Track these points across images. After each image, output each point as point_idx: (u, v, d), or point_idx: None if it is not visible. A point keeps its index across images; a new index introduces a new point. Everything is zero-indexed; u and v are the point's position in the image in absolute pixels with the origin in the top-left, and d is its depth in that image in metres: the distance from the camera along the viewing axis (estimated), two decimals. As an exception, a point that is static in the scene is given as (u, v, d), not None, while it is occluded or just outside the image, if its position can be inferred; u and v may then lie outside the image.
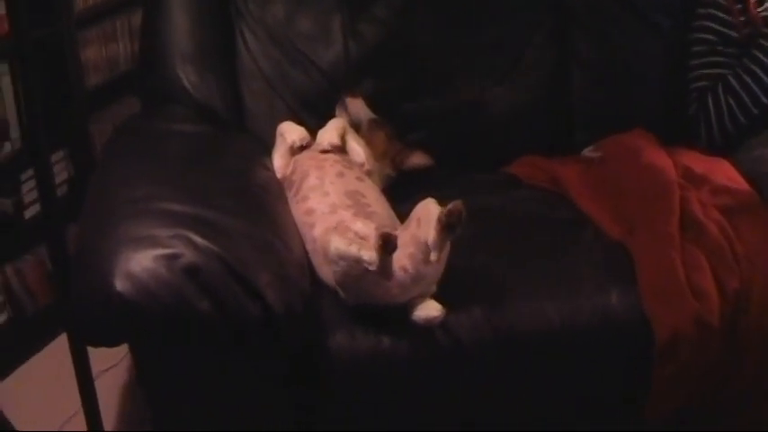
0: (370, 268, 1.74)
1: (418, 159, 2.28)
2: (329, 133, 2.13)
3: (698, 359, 1.89)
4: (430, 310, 1.82)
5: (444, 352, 1.86)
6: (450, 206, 1.73)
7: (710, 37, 2.42)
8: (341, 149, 2.13)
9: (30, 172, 2.66)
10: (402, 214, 1.99)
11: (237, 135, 2.26)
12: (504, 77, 2.45)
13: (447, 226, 1.74)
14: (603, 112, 2.48)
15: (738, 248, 1.99)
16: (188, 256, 1.68)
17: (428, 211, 1.83)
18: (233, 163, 2.07)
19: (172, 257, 1.67)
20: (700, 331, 1.88)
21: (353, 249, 1.76)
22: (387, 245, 1.71)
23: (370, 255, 1.73)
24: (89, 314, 1.69)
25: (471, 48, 2.43)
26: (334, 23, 2.36)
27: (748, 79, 2.32)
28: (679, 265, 1.96)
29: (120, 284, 1.63)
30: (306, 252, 1.95)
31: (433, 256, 1.79)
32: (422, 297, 1.85)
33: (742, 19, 2.38)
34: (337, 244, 1.78)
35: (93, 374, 2.18)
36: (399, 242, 1.79)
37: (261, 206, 1.95)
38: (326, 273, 1.89)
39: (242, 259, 1.73)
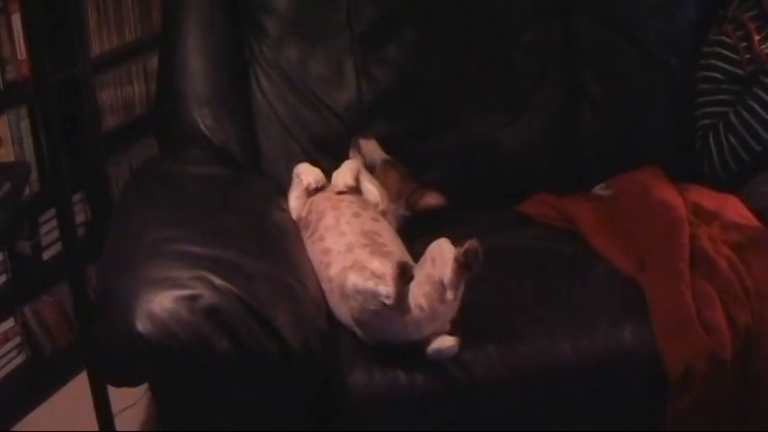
0: (387, 302, 1.77)
1: (431, 199, 2.31)
2: (344, 174, 2.17)
3: (711, 393, 1.91)
4: (445, 341, 1.85)
5: (460, 388, 1.88)
6: (466, 245, 1.77)
7: (717, 75, 2.46)
8: (356, 190, 2.16)
9: (48, 214, 2.70)
10: (416, 253, 2.02)
11: (253, 177, 2.30)
12: (514, 117, 2.48)
13: (464, 265, 1.77)
14: (613, 149, 2.52)
15: (749, 284, 2.01)
16: (208, 296, 1.72)
17: (442, 250, 1.86)
18: (250, 204, 2.11)
19: (192, 298, 1.71)
20: (712, 365, 1.90)
21: (370, 284, 1.79)
22: (403, 274, 1.74)
23: (387, 289, 1.76)
24: (111, 354, 1.73)
25: (482, 88, 2.47)
26: (347, 66, 2.41)
27: (748, 116, 2.36)
28: (690, 301, 1.98)
29: (141, 325, 1.67)
30: (322, 292, 1.98)
31: (449, 295, 1.82)
32: (436, 335, 1.87)
33: (747, 56, 2.41)
34: (354, 279, 1.82)
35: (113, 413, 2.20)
36: (414, 281, 1.82)
37: (278, 247, 1.98)
38: (343, 312, 1.92)
39: (260, 299, 1.76)
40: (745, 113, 2.37)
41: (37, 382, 2.72)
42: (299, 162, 2.28)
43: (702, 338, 1.92)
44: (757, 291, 2.00)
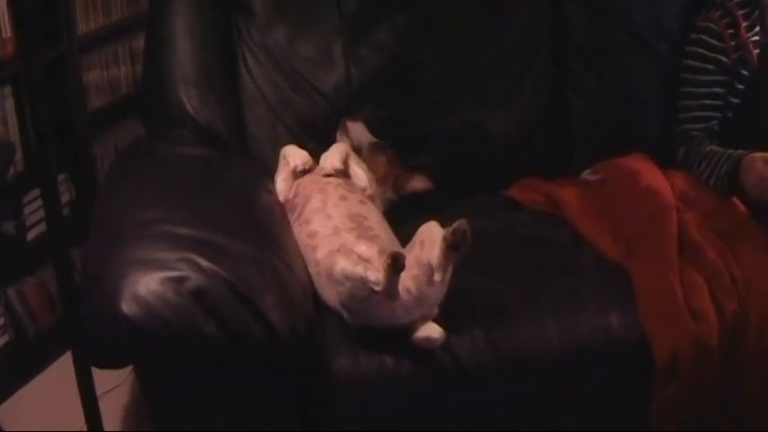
0: (377, 289, 1.76)
1: (419, 183, 2.30)
2: (332, 157, 2.16)
3: (697, 380, 1.92)
4: (431, 331, 1.84)
5: (446, 373, 1.88)
6: (455, 225, 1.76)
7: (701, 65, 2.45)
8: (344, 174, 2.15)
9: (32, 194, 2.68)
10: (403, 237, 2.02)
11: (240, 159, 2.28)
12: (503, 101, 2.48)
13: (452, 245, 1.77)
14: (602, 135, 2.51)
15: (736, 271, 2.01)
16: (194, 279, 1.70)
17: (431, 233, 1.86)
18: (237, 186, 2.10)
19: (178, 280, 1.69)
20: (699, 352, 1.91)
21: (359, 270, 1.78)
22: (396, 264, 1.73)
23: (376, 275, 1.76)
24: (96, 336, 1.71)
25: (471, 72, 2.46)
26: (336, 48, 2.39)
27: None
28: (678, 288, 1.98)
29: (126, 307, 1.65)
30: (309, 275, 1.97)
31: (437, 277, 1.81)
32: (424, 319, 1.87)
33: (733, 44, 2.41)
34: (343, 264, 1.81)
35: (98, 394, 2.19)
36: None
37: (264, 229, 1.97)
38: (329, 295, 1.91)
39: (247, 282, 1.75)
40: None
41: (20, 364, 2.70)
42: (286, 144, 2.26)
43: (690, 326, 1.92)
44: (745, 279, 2.00)
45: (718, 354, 1.92)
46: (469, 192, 2.41)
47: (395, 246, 1.99)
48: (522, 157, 2.48)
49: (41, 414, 2.44)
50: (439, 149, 2.43)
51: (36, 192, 2.65)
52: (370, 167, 2.25)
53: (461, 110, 2.45)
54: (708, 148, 2.36)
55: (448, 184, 2.35)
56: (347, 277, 1.80)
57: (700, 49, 2.45)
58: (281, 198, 2.16)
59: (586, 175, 2.43)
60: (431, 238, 1.85)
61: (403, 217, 2.20)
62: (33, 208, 2.67)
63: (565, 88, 2.52)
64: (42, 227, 2.69)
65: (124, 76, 2.96)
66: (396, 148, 2.33)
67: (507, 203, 2.39)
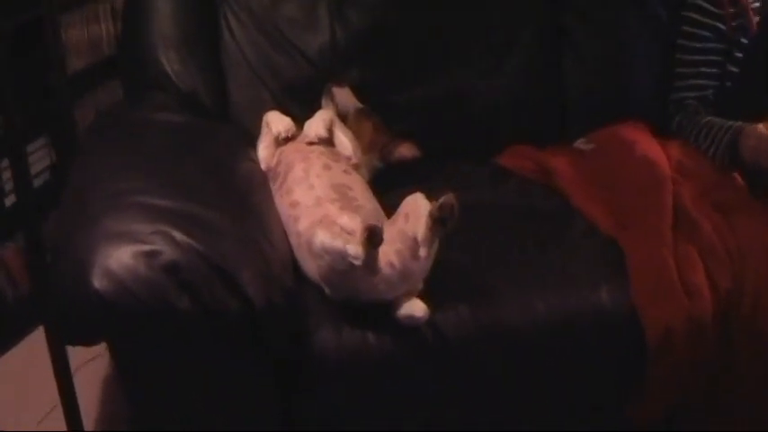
0: (356, 263, 1.70)
1: (406, 151, 2.23)
2: (316, 125, 2.08)
3: (690, 357, 1.86)
4: (414, 309, 1.78)
5: (430, 349, 1.82)
6: (442, 200, 1.70)
7: (696, 30, 2.36)
8: (328, 141, 2.08)
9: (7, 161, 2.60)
10: (389, 206, 1.95)
11: (221, 125, 2.21)
12: (495, 64, 2.41)
13: (438, 220, 1.70)
14: (596, 102, 2.44)
15: (731, 245, 1.95)
16: (168, 252, 1.64)
17: (417, 206, 1.79)
18: (216, 154, 2.02)
19: (151, 254, 1.63)
20: (692, 329, 1.85)
21: (339, 243, 1.71)
22: (372, 238, 1.67)
23: (355, 249, 1.69)
24: (66, 312, 1.65)
25: (462, 34, 2.38)
26: (321, 9, 2.32)
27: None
28: (671, 262, 1.92)
29: (97, 282, 1.59)
30: (290, 246, 1.90)
31: (422, 252, 1.75)
32: (408, 294, 1.81)
33: (732, 10, 2.32)
34: (322, 237, 1.74)
35: (73, 367, 2.13)
36: (386, 237, 1.75)
37: (244, 200, 1.90)
38: (311, 268, 1.85)
39: (223, 255, 1.69)
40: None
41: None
42: (269, 110, 2.18)
43: (683, 302, 1.86)
44: (740, 252, 1.94)
45: (711, 330, 1.86)
46: (458, 159, 2.34)
47: (379, 217, 1.92)
48: (513, 123, 2.42)
49: (18, 384, 2.38)
50: (427, 115, 2.36)
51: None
52: (356, 134, 2.17)
53: (451, 74, 2.38)
54: (705, 119, 2.29)
55: (435, 151, 2.28)
56: (326, 250, 1.74)
57: (695, 15, 2.37)
58: (262, 166, 2.09)
59: (579, 144, 2.36)
60: (416, 210, 1.79)
61: (389, 185, 2.14)
62: (10, 174, 2.59)
63: (558, 53, 2.43)
64: (21, 191, 2.61)
65: (106, 36, 2.87)
66: (382, 113, 2.26)
67: (496, 172, 2.32)
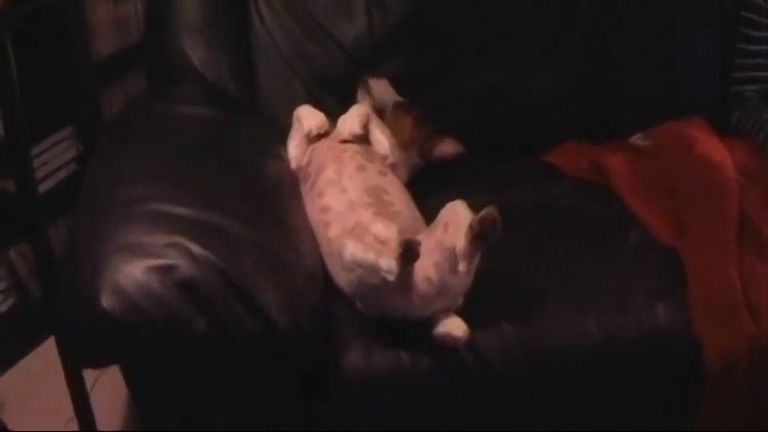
0: (389, 278, 1.55)
1: (448, 147, 2.07)
2: (351, 121, 1.92)
3: (752, 385, 1.69)
4: (453, 328, 1.63)
5: (470, 373, 1.67)
6: (483, 213, 1.54)
7: (757, 17, 2.17)
8: (363, 139, 1.92)
9: (35, 149, 2.48)
10: (428, 210, 1.81)
11: (249, 119, 2.06)
12: (544, 54, 2.22)
13: (479, 235, 1.55)
14: (652, 95, 2.25)
15: (803, 262, 1.77)
16: (184, 267, 1.50)
17: (457, 215, 1.64)
18: (242, 153, 1.88)
19: (165, 269, 1.49)
20: (755, 355, 1.68)
21: (370, 256, 1.57)
22: (408, 253, 1.52)
23: (389, 263, 1.54)
24: (75, 333, 1.52)
25: (508, 21, 2.20)
26: (358, -4, 2.14)
27: None
28: (736, 279, 1.75)
29: (106, 301, 1.46)
30: (320, 255, 1.76)
31: (461, 267, 1.60)
32: (446, 311, 1.66)
33: None
34: (353, 249, 1.60)
35: (90, 381, 2.00)
36: (424, 248, 1.60)
37: (270, 204, 1.76)
38: (342, 279, 1.71)
39: (244, 271, 1.55)
40: None
41: (26, 328, 2.53)
42: (301, 104, 2.03)
43: (747, 325, 1.69)
44: (813, 270, 1.75)
45: (778, 357, 1.68)
46: (503, 156, 2.17)
47: (417, 224, 1.77)
48: (564, 117, 2.24)
49: (45, 385, 2.25)
50: (471, 109, 2.19)
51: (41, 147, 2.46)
52: (395, 130, 2.01)
53: (497, 65, 2.20)
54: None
55: (480, 147, 2.11)
56: (357, 263, 1.59)
57: (759, 1, 2.17)
58: (293, 165, 1.94)
59: (636, 139, 2.18)
60: (456, 220, 1.64)
61: (430, 185, 1.99)
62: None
63: (614, 39, 2.24)
64: (46, 185, 2.50)
65: (134, 19, 2.73)
66: (422, 107, 2.09)
67: (546, 170, 2.15)
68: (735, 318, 1.69)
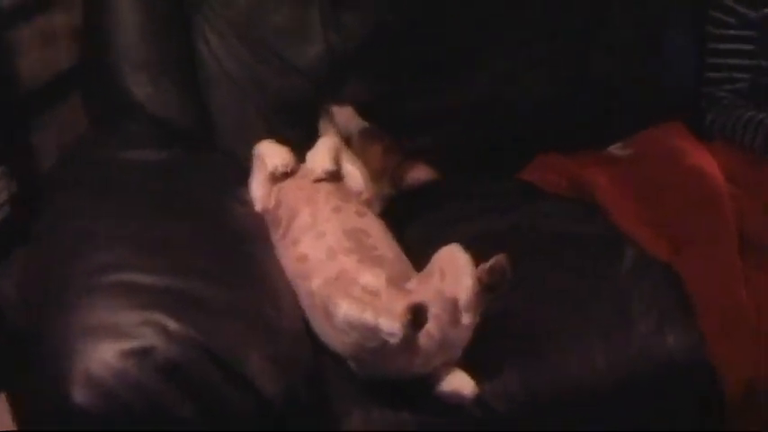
0: (392, 341, 1.41)
1: (421, 174, 1.94)
2: (321, 157, 1.77)
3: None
4: (461, 385, 1.50)
5: (478, 427, 1.54)
6: (492, 262, 1.42)
7: (724, 17, 2.07)
8: (336, 175, 1.78)
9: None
10: (409, 246, 1.70)
11: (205, 159, 1.90)
12: (515, 65, 2.09)
13: (488, 287, 1.42)
14: (629, 100, 2.15)
15: (810, 278, 1.68)
16: (163, 348, 1.35)
17: (454, 261, 1.52)
18: (204, 201, 1.72)
19: (143, 353, 1.34)
20: (777, 383, 1.59)
21: (369, 317, 1.43)
22: (417, 319, 1.38)
23: (390, 325, 1.40)
24: (43, 425, 1.35)
25: (476, 34, 2.07)
26: (313, 14, 1.98)
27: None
28: (745, 300, 1.64)
29: (79, 394, 1.30)
30: (301, 310, 1.61)
31: (465, 319, 1.47)
32: (447, 365, 1.53)
33: None
34: (347, 310, 1.45)
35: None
36: (417, 298, 1.47)
37: (241, 260, 1.61)
38: (330, 335, 1.56)
39: (227, 343, 1.41)
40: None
41: None
42: (260, 138, 1.87)
43: (765, 352, 1.59)
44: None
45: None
46: (478, 177, 2.05)
47: (405, 268, 1.64)
48: (538, 131, 2.12)
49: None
50: (442, 129, 2.06)
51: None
52: (363, 160, 1.87)
53: (466, 80, 2.07)
54: (747, 114, 2.01)
55: (454, 169, 1.98)
56: (353, 326, 1.45)
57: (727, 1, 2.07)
58: (258, 207, 1.79)
59: (615, 149, 2.07)
60: (454, 267, 1.51)
61: (404, 215, 1.86)
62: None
63: (585, 47, 2.12)
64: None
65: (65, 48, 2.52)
66: (390, 131, 1.95)
67: (525, 190, 2.03)
68: (751, 342, 1.60)
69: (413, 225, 1.85)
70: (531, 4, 2.10)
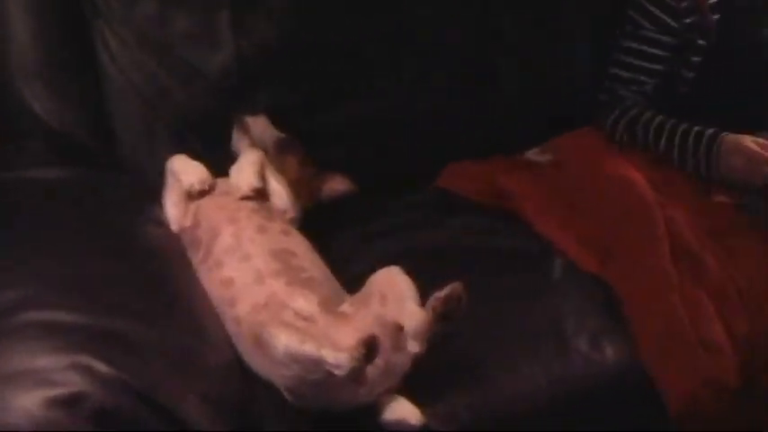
0: (338, 373, 1.33)
1: (338, 185, 1.86)
2: (247, 174, 1.67)
3: (719, 420, 1.59)
4: (406, 415, 1.43)
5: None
6: (448, 291, 1.37)
7: (641, 19, 2.06)
8: (262, 192, 1.68)
9: None
10: (333, 263, 1.63)
11: (112, 176, 1.77)
12: (424, 72, 2.03)
13: (443, 316, 1.36)
14: (537, 106, 2.11)
15: (741, 283, 1.68)
16: (93, 394, 1.24)
17: (394, 285, 1.47)
18: (115, 223, 1.61)
19: (72, 400, 1.22)
20: (718, 391, 1.59)
21: (310, 349, 1.35)
22: (370, 353, 1.31)
23: (335, 356, 1.33)
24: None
25: (389, 39, 1.99)
26: (221, 20, 1.86)
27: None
28: (681, 312, 1.63)
29: (2, 451, 1.17)
30: (228, 337, 1.52)
31: (413, 347, 1.42)
32: (389, 392, 1.46)
33: (684, 4, 2.02)
34: (287, 341, 1.37)
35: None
36: (359, 325, 1.40)
37: (162, 290, 1.50)
38: (263, 366, 1.48)
39: (158, 383, 1.30)
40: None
41: None
42: (168, 151, 1.76)
43: (704, 362, 1.59)
44: (751, 291, 1.67)
45: (738, 393, 1.59)
46: (394, 187, 1.98)
47: (335, 290, 1.57)
48: (450, 139, 2.07)
49: None
50: (357, 138, 1.98)
51: None
52: (280, 172, 1.78)
53: (378, 88, 1.99)
54: (650, 116, 1.99)
55: (367, 181, 1.90)
56: (294, 358, 1.37)
57: (643, 2, 2.06)
58: (174, 228, 1.68)
59: (532, 154, 2.03)
60: (395, 291, 1.45)
61: (322, 229, 1.77)
62: None
63: (489, 51, 2.08)
64: None
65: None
66: (303, 140, 1.87)
67: (442, 201, 1.96)
68: (690, 356, 1.59)
69: (329, 241, 1.76)
70: (436, 15, 2.02)
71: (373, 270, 1.54)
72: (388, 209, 1.92)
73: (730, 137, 1.87)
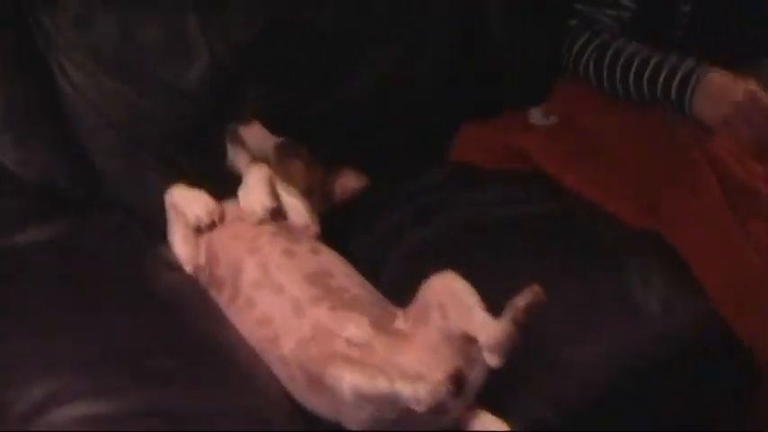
0: (419, 408, 1.18)
1: (351, 181, 1.68)
2: (258, 194, 1.49)
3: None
4: (491, 427, 1.29)
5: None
6: (528, 298, 1.22)
7: None
8: (277, 212, 1.51)
9: None
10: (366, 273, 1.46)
11: (103, 220, 1.60)
12: (413, 42, 1.87)
13: (525, 326, 1.21)
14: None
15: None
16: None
17: (454, 292, 1.31)
18: (123, 277, 1.44)
19: None
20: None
21: (383, 385, 1.20)
22: (459, 387, 1.17)
23: (412, 389, 1.19)
24: None
25: (368, 18, 1.82)
26: (190, 27, 1.68)
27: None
28: (751, 254, 1.50)
29: None
30: (277, 381, 1.36)
31: (492, 361, 1.26)
32: (468, 408, 1.32)
33: None
34: (352, 380, 1.22)
35: None
36: (421, 344, 1.25)
37: (198, 344, 1.34)
38: (320, 405, 1.33)
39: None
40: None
41: None
42: (159, 184, 1.57)
43: None
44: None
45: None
46: (409, 168, 1.82)
47: (384, 306, 1.41)
48: (448, 108, 1.92)
49: None
50: (355, 123, 1.82)
51: None
52: (287, 180, 1.61)
53: (371, 64, 1.83)
54: (632, 47, 1.79)
55: (377, 168, 1.74)
56: (367, 399, 1.22)
57: None
58: (188, 268, 1.51)
59: (537, 120, 1.86)
60: (455, 298, 1.30)
61: (338, 231, 1.60)
62: None
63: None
64: None
65: None
66: (302, 136, 1.69)
67: (462, 174, 1.81)
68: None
69: (351, 242, 1.61)
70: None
71: (408, 271, 1.43)
72: (405, 195, 1.76)
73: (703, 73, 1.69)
